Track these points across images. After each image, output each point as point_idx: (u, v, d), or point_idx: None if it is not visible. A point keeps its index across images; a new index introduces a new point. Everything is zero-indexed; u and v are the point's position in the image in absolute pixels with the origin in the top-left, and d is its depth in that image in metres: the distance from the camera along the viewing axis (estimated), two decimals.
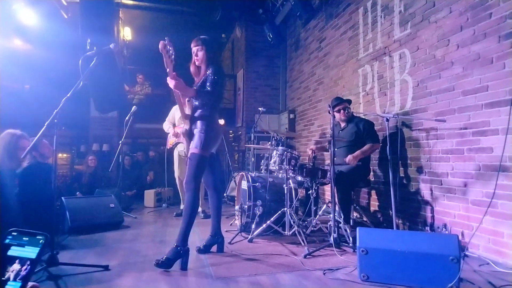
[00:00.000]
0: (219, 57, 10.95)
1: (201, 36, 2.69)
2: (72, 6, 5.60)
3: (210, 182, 2.79)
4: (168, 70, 2.35)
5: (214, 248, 2.79)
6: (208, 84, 2.55)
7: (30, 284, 1.56)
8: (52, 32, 5.26)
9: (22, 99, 6.18)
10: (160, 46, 2.25)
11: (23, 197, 2.89)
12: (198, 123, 2.60)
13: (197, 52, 2.66)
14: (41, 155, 3.36)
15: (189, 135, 2.62)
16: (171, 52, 2.31)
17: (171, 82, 2.42)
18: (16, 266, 1.54)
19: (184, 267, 2.36)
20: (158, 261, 2.34)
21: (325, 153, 5.03)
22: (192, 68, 2.76)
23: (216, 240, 2.78)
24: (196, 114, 2.62)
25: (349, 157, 3.34)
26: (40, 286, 2.04)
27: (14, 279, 1.52)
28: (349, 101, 3.81)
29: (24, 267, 1.55)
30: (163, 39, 2.38)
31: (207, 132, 2.55)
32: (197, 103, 2.63)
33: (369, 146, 3.47)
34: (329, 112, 3.23)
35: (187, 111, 2.66)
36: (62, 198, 3.57)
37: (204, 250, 2.75)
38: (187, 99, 2.64)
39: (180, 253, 2.38)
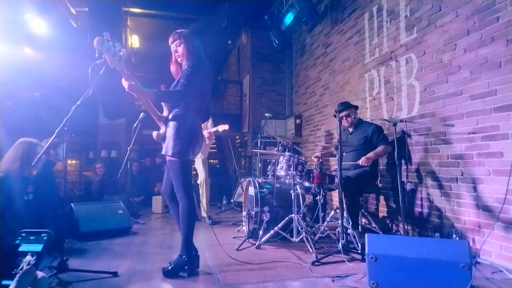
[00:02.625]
0: (224, 63, 11.02)
1: (178, 30, 2.42)
2: (81, 15, 5.71)
3: (168, 192, 2.49)
4: (118, 69, 2.10)
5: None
6: (181, 80, 2.26)
7: (39, 274, 1.77)
8: (62, 40, 5.36)
9: (32, 106, 6.28)
10: (95, 43, 1.94)
11: (38, 201, 2.94)
12: (170, 125, 2.33)
13: (177, 48, 2.40)
14: (57, 154, 3.43)
15: (163, 139, 2.37)
16: (116, 48, 2.05)
17: (124, 84, 2.18)
18: (28, 258, 1.95)
19: (191, 273, 2.36)
20: (164, 270, 2.35)
21: (331, 158, 5.02)
22: (173, 68, 2.48)
23: (186, 260, 2.35)
24: (170, 116, 2.35)
25: (363, 158, 3.32)
26: None
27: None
28: (356, 107, 3.80)
29: (33, 258, 1.95)
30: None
31: (180, 136, 2.28)
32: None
33: (383, 148, 3.44)
34: (335, 116, 3.22)
35: (165, 112, 2.41)
36: (72, 204, 3.61)
37: (169, 273, 2.33)
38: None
39: (185, 261, 2.35)
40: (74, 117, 2.31)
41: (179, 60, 2.44)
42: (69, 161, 8.21)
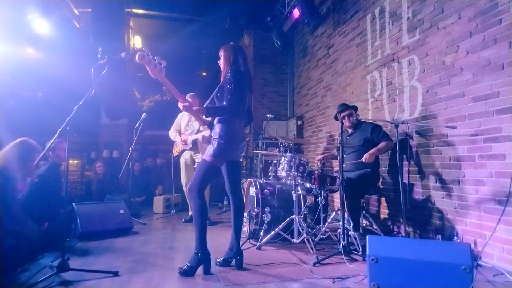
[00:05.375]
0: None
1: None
2: (84, 16, 5.73)
3: (230, 189, 2.68)
4: (160, 80, 2.33)
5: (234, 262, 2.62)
6: (226, 94, 2.46)
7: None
8: (64, 41, 5.38)
9: (34, 106, 6.31)
10: (137, 58, 2.19)
11: (37, 200, 2.94)
12: (216, 128, 2.51)
13: (220, 60, 2.67)
14: (57, 156, 3.43)
15: (209, 141, 2.57)
16: (157, 61, 2.27)
17: (180, 105, 2.48)
18: None
19: (207, 272, 2.39)
20: (181, 269, 2.38)
21: (334, 160, 5.01)
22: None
23: (234, 255, 2.58)
24: (215, 120, 2.55)
25: (366, 155, 3.30)
26: None
27: None
28: (355, 108, 3.80)
29: None
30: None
31: (223, 140, 2.45)
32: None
33: (384, 144, 3.43)
34: (337, 119, 3.22)
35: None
36: (73, 204, 3.62)
37: (223, 263, 2.59)
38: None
39: (201, 259, 2.39)
40: (76, 117, 2.33)
41: (221, 68, 2.65)
42: (70, 161, 8.24)
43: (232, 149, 2.54)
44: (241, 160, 2.74)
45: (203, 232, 2.43)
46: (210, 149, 2.48)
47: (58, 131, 2.31)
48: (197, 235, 2.42)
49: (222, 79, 2.59)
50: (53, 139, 2.39)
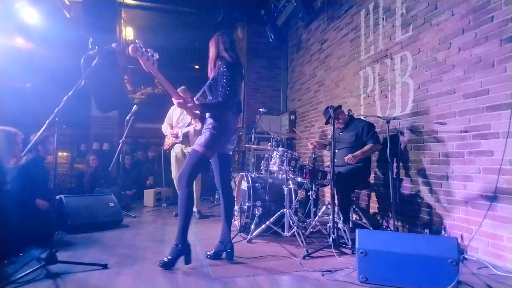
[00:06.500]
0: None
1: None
2: (74, 5, 5.61)
3: (220, 182, 2.67)
4: (153, 72, 2.25)
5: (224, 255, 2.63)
6: (220, 89, 2.42)
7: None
8: (54, 31, 5.27)
9: (23, 97, 6.19)
10: (130, 50, 2.11)
11: (22, 192, 2.89)
12: (208, 121, 2.49)
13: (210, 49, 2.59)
14: (46, 149, 3.38)
15: (199, 134, 2.54)
16: (149, 54, 2.20)
17: (174, 101, 2.41)
18: None
19: (188, 262, 2.39)
20: (161, 262, 2.36)
21: (325, 153, 5.04)
22: (210, 65, 2.64)
23: (224, 247, 2.58)
24: (207, 114, 2.52)
25: (349, 156, 3.34)
26: (39, 284, 2.05)
27: None
28: (340, 106, 3.80)
29: None
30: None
31: (216, 130, 2.44)
32: (207, 99, 2.55)
33: (370, 147, 3.47)
34: (329, 123, 3.20)
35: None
36: (62, 196, 3.57)
37: (214, 256, 2.59)
38: (195, 97, 2.58)
39: (181, 251, 2.38)
40: (66, 109, 2.28)
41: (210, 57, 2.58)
42: (60, 153, 8.13)
43: (224, 140, 2.52)
44: (231, 153, 2.72)
45: (186, 223, 2.41)
46: (201, 139, 2.45)
47: (46, 122, 2.27)
48: (180, 225, 2.40)
49: (211, 69, 2.55)
50: (41, 131, 2.34)
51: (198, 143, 2.45)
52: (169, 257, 2.36)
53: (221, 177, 2.67)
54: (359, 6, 4.47)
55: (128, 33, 7.80)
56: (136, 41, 2.16)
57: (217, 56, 2.56)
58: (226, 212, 2.64)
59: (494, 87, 2.58)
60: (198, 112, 2.56)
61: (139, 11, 7.42)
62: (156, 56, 2.26)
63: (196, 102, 2.51)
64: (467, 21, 2.82)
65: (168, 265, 2.34)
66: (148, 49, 2.21)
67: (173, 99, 2.41)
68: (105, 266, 2.35)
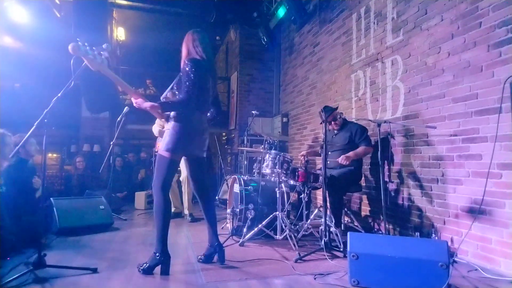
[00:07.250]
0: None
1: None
2: (65, 5, 5.54)
3: (198, 188, 2.60)
4: (102, 72, 2.11)
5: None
6: (182, 86, 2.32)
7: None
8: (44, 30, 5.19)
9: (12, 97, 6.07)
10: (71, 49, 1.96)
11: (7, 196, 2.84)
12: (171, 122, 2.38)
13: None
14: (26, 152, 3.33)
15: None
16: (96, 52, 2.06)
17: (133, 101, 2.30)
18: None
19: (164, 273, 2.29)
20: (139, 267, 2.32)
21: (317, 157, 5.05)
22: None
23: (214, 250, 2.55)
24: (171, 113, 2.40)
25: (342, 156, 3.35)
26: None
27: None
28: (337, 108, 3.82)
29: None
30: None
31: (176, 131, 2.33)
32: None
33: (363, 149, 3.49)
34: (322, 123, 3.21)
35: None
36: (51, 198, 3.51)
37: (205, 260, 2.56)
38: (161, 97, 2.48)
39: (159, 260, 2.29)
40: (55, 110, 2.25)
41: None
42: (49, 155, 8.00)
43: (187, 142, 2.40)
44: (204, 156, 2.59)
45: (164, 232, 2.31)
46: (163, 142, 2.36)
47: (35, 124, 2.23)
48: (157, 233, 2.30)
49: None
50: (29, 132, 2.31)
51: (162, 147, 2.36)
52: (147, 264, 2.30)
53: (195, 182, 2.59)
54: (350, 10, 4.51)
55: (119, 33, 7.74)
56: (77, 39, 2.02)
57: (188, 54, 2.50)
58: (207, 215, 2.59)
59: (483, 91, 2.62)
60: (164, 114, 2.41)
61: (131, 11, 7.37)
62: (105, 54, 2.13)
63: (163, 101, 2.40)
64: (456, 26, 2.87)
65: (145, 271, 2.28)
66: (94, 47, 2.07)
67: (132, 98, 2.32)
68: (95, 271, 2.31)
